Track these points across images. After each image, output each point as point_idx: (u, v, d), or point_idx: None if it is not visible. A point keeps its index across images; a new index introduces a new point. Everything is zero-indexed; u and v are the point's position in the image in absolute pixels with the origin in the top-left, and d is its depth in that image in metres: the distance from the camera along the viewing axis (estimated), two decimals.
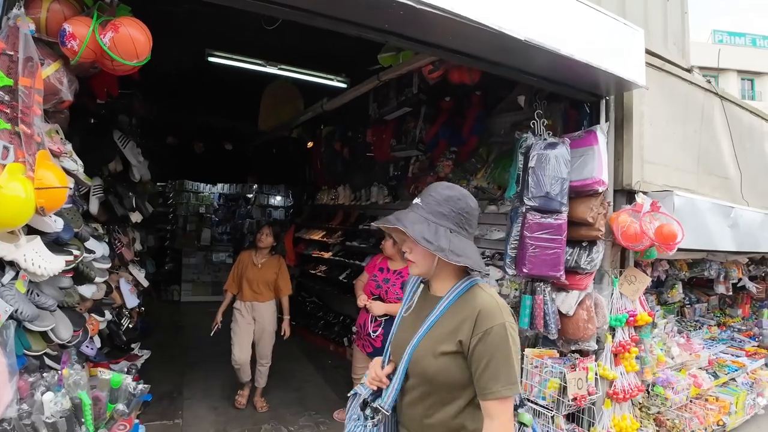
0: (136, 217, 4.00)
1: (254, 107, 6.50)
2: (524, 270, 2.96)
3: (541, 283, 3.08)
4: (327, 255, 6.51)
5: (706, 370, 4.79)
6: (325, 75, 4.74)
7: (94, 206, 3.50)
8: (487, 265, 4.09)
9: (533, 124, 3.22)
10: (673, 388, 4.09)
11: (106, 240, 3.48)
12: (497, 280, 3.98)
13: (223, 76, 5.40)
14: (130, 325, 4.42)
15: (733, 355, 5.32)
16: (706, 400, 4.62)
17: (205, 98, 6.53)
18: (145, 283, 4.75)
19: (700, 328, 5.72)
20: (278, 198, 10.65)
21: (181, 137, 7.12)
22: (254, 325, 4.44)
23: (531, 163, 2.98)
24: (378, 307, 3.56)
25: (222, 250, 10.06)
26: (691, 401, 4.36)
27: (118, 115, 3.83)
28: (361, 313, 3.77)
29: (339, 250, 6.35)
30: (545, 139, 3.12)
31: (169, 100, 6.51)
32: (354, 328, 4.16)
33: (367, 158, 5.61)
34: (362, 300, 3.66)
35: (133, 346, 5.03)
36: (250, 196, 10.91)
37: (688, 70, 4.31)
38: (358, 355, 3.96)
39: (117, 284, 3.93)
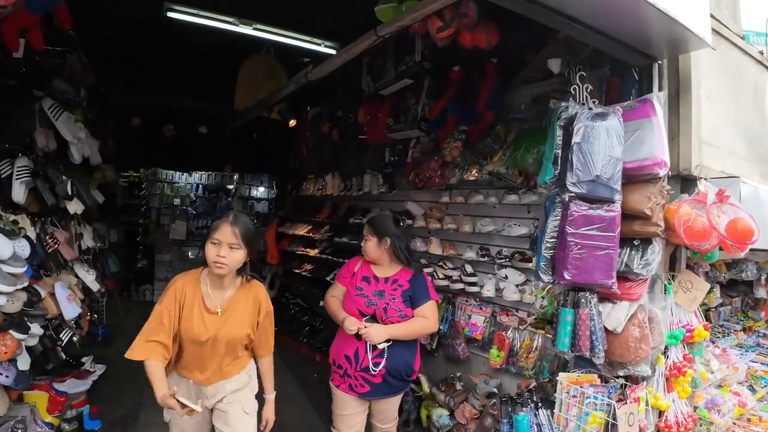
0: (74, 207, 3.28)
1: (231, 86, 5.76)
2: (566, 276, 2.31)
3: (587, 293, 2.43)
4: (313, 252, 5.82)
5: (743, 384, 4.22)
6: (309, 38, 4.02)
7: (18, 193, 2.79)
8: (504, 267, 3.43)
9: (574, 89, 2.57)
10: (719, 410, 3.49)
11: (28, 236, 2.75)
12: (518, 285, 3.33)
13: (194, 47, 4.67)
14: (75, 338, 3.70)
15: (763, 364, 4.76)
16: (749, 420, 4.04)
17: (175, 75, 5.77)
18: (95, 287, 4.03)
19: (728, 335, 5.15)
20: (261, 189, 9.90)
21: (149, 119, 6.35)
22: (210, 420, 2.40)
23: (576, 138, 2.32)
24: (378, 332, 2.62)
25: (198, 245, 9.31)
26: (734, 423, 3.78)
27: (51, 79, 3.08)
28: (346, 341, 2.74)
29: (326, 246, 5.67)
30: (591, 109, 2.46)
31: (134, 77, 5.76)
32: (335, 363, 2.85)
33: (359, 142, 4.92)
34: (353, 324, 2.60)
35: (84, 359, 4.32)
36: (231, 187, 10.15)
37: (742, 38, 3.69)
38: (342, 400, 2.79)
39: (52, 290, 3.21)
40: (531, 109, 3.44)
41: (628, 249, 2.54)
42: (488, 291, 3.53)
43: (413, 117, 4.16)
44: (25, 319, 2.68)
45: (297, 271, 6.19)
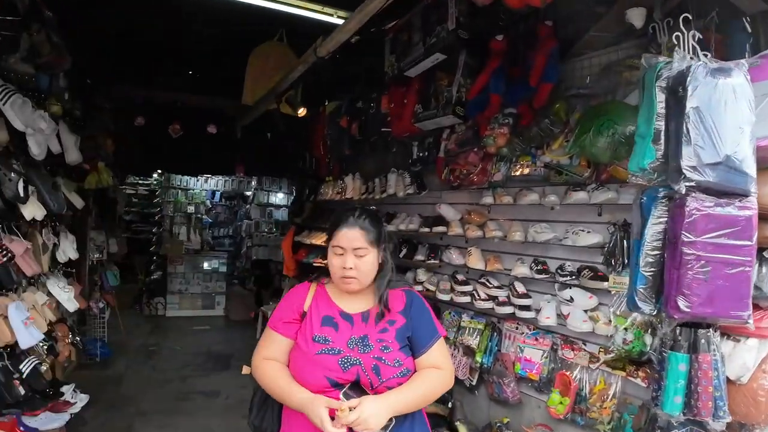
0: (31, 212, 2.73)
1: (240, 80, 5.24)
2: (683, 307, 1.59)
3: (709, 331, 1.69)
4: None
5: None
6: (319, 8, 3.40)
7: None
8: (569, 286, 2.70)
9: (677, 38, 1.84)
10: None
11: None
12: (588, 311, 2.59)
13: (199, 37, 4.17)
14: (42, 367, 3.15)
15: None
16: None
17: (179, 69, 5.30)
18: (71, 306, 3.49)
19: None
20: (280, 195, 9.39)
21: (153, 117, 5.89)
22: None
23: (692, 103, 1.61)
24: (377, 412, 1.45)
25: (215, 256, 8.86)
26: None
27: None
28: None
29: None
30: (705, 64, 1.73)
31: (134, 71, 5.30)
32: None
33: (382, 136, 4.29)
34: (325, 412, 1.43)
35: (65, 388, 3.78)
36: (249, 193, 9.69)
37: None
38: None
39: (4, 312, 2.66)
40: (599, 82, 2.72)
41: (757, 263, 1.80)
42: (547, 318, 2.79)
43: (446, 101, 3.48)
44: None
45: None
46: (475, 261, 3.43)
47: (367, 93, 4.44)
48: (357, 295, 1.71)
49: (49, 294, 3.33)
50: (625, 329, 2.32)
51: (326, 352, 1.58)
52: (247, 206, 9.58)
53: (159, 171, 9.21)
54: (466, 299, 3.47)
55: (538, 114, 2.88)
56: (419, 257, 3.76)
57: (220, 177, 9.39)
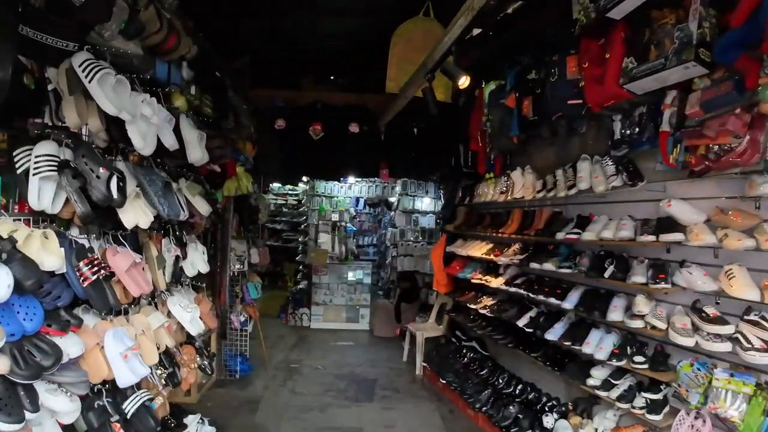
0: (134, 218, 2.29)
1: (383, 71, 4.67)
2: None
3: None
4: (495, 282, 4.25)
5: None
6: None
7: (33, 193, 1.86)
8: None
9: None
10: None
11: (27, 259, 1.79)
12: None
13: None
14: (156, 401, 2.75)
15: None
16: None
17: (315, 63, 4.93)
18: (196, 328, 3.11)
19: None
20: (426, 200, 8.68)
21: (293, 119, 5.60)
22: None
23: None
24: None
25: (359, 266, 8.50)
26: None
27: (88, 30, 2.16)
28: None
29: (516, 275, 4.05)
30: None
31: (271, 71, 5.06)
32: None
33: (568, 111, 3.24)
34: None
35: (188, 420, 3.40)
36: (393, 199, 9.18)
37: None
38: None
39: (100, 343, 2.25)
40: None
41: None
42: None
43: (680, 44, 2.35)
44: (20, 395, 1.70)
45: (472, 305, 4.66)
46: (740, 287, 2.23)
47: (545, 57, 3.43)
48: None
49: (170, 314, 2.96)
50: None
51: None
52: (392, 213, 9.07)
53: (304, 179, 9.19)
54: (725, 346, 2.28)
55: None
56: (637, 278, 2.64)
57: (364, 182, 9.04)
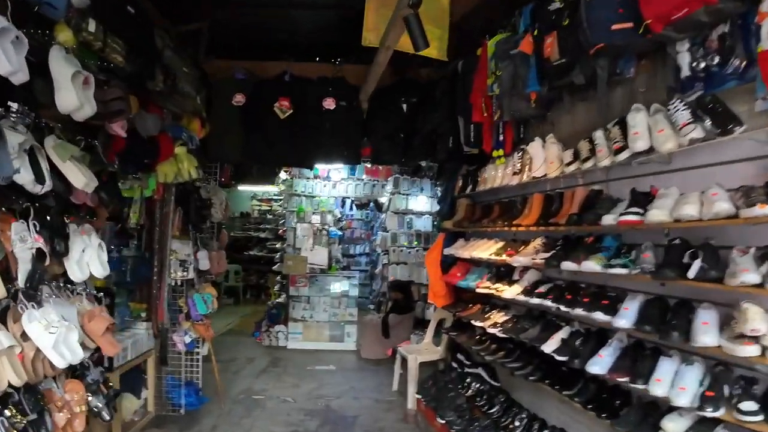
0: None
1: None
2: None
3: None
4: (509, 291, 3.28)
5: None
6: None
7: None
8: None
9: None
10: None
11: None
12: None
13: None
14: None
15: None
16: None
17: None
18: (61, 361, 2.13)
19: None
20: (421, 199, 7.70)
21: (255, 94, 4.65)
22: None
23: None
24: None
25: (345, 276, 7.52)
26: None
27: None
28: None
29: (539, 281, 3.09)
30: None
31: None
32: None
33: (615, 37, 2.29)
34: None
35: None
36: (384, 200, 8.21)
37: None
38: None
39: None
40: None
41: None
42: None
43: None
44: None
45: (478, 323, 3.68)
46: None
47: None
48: None
49: (24, 335, 1.99)
50: None
51: None
52: (382, 215, 8.08)
53: (282, 176, 8.23)
54: None
55: None
56: (746, 276, 1.67)
57: (351, 180, 8.05)
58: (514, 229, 3.38)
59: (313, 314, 7.28)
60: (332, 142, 4.79)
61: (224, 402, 4.62)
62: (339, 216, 8.61)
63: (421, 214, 7.64)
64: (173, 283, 4.24)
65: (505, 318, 3.46)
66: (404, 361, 5.04)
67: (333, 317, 7.29)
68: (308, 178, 7.96)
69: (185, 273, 4.22)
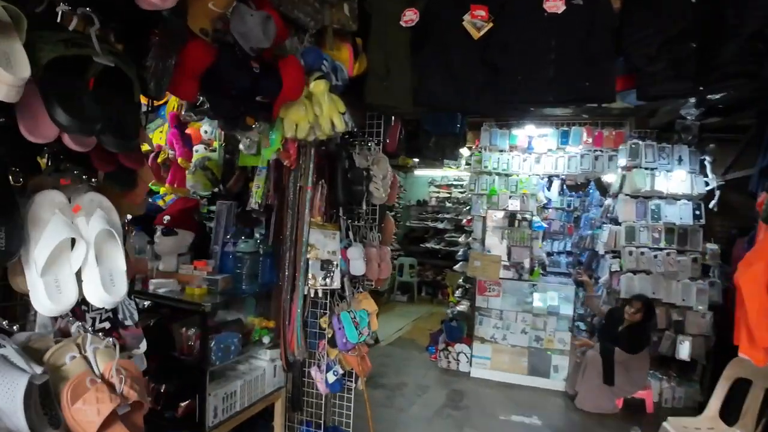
0: None
1: None
2: None
3: None
4: None
5: None
6: None
7: None
8: None
9: None
10: None
11: None
12: None
13: None
14: None
15: None
16: None
17: None
18: None
19: None
20: (676, 176, 5.31)
21: (431, 5, 3.04)
22: None
23: None
24: None
25: (552, 287, 5.58)
26: None
27: None
28: None
29: None
30: None
31: None
32: None
33: None
34: None
35: None
36: (610, 178, 6.00)
37: None
38: None
39: None
40: None
41: None
42: None
43: None
44: None
45: None
46: None
47: None
48: None
49: None
50: None
51: None
52: (608, 200, 5.88)
53: (464, 152, 6.56)
54: None
55: None
56: None
57: (561, 153, 5.99)
58: None
59: (507, 335, 5.51)
60: (562, 69, 2.91)
61: None
62: (544, 201, 6.65)
63: (675, 198, 5.21)
64: (311, 294, 2.88)
65: None
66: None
67: (534, 342, 5.42)
68: (501, 151, 6.14)
69: (329, 280, 2.81)
